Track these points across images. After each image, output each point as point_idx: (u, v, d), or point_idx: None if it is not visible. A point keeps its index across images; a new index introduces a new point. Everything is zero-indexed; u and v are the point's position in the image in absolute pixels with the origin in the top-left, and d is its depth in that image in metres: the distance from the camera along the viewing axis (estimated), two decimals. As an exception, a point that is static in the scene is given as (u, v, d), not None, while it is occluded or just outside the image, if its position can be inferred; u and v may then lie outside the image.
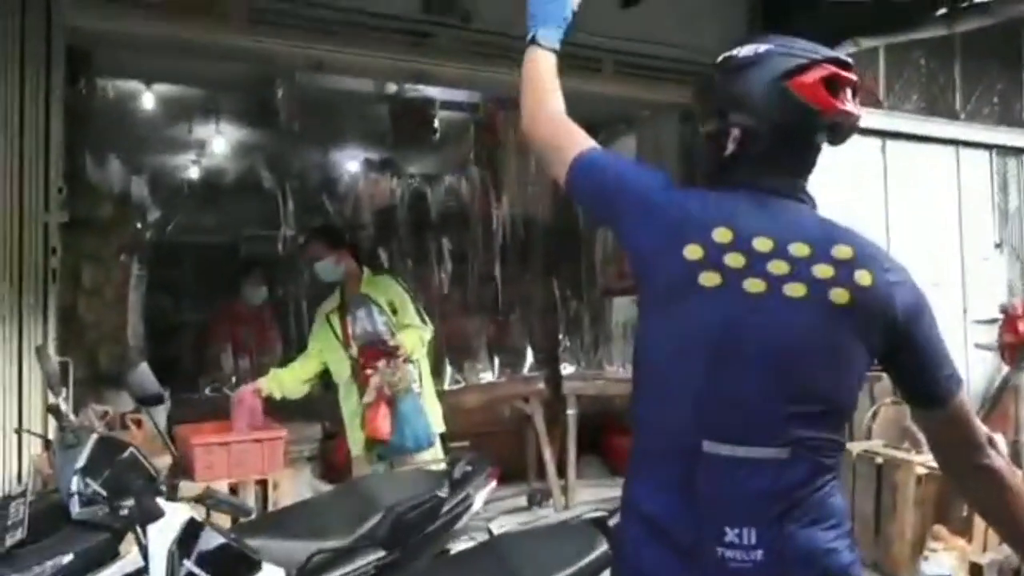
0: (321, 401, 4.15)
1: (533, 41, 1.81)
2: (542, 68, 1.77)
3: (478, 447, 5.59)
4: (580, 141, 1.62)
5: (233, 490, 3.34)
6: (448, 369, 4.90)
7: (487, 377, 4.90)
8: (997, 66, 7.01)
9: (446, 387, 4.63)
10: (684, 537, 1.40)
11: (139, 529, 1.85)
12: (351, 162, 6.23)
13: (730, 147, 1.50)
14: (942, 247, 6.66)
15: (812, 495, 1.39)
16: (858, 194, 6.20)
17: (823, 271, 1.41)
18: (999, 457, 1.49)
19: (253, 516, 2.48)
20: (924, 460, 4.44)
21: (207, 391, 4.59)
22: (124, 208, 4.52)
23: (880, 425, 5.84)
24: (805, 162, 1.53)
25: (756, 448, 1.38)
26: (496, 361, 4.91)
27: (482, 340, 5.15)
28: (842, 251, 1.43)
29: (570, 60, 4.91)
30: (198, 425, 3.70)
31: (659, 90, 5.30)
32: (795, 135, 1.49)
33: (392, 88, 5.84)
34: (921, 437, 5.73)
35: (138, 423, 3.50)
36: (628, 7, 5.06)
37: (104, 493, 2.12)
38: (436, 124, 5.93)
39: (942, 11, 4.43)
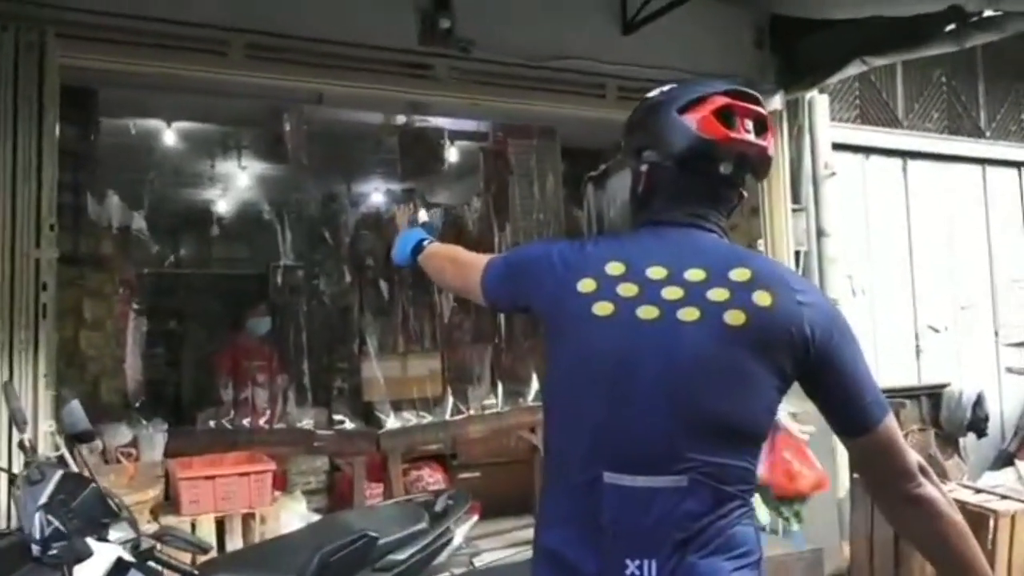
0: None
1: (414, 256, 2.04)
2: (430, 262, 1.97)
3: (487, 477, 5.56)
4: (480, 263, 1.71)
5: (220, 523, 3.31)
6: (450, 399, 4.85)
7: (492, 407, 4.83)
8: (1023, 82, 6.83)
9: (447, 417, 4.58)
10: (587, 570, 1.37)
11: (66, 569, 1.83)
12: (361, 194, 6.25)
13: (642, 184, 1.53)
14: (970, 269, 6.47)
15: (714, 524, 1.35)
16: (879, 216, 6.07)
17: (718, 294, 1.39)
18: (931, 485, 1.44)
19: (211, 554, 2.44)
20: (948, 490, 4.26)
21: (211, 424, 4.60)
22: (126, 244, 4.58)
23: (918, 452, 5.65)
24: (710, 193, 1.52)
25: (653, 477, 1.35)
26: (501, 390, 4.84)
27: (486, 369, 5.10)
28: (740, 274, 1.41)
29: (573, 87, 4.99)
30: (190, 459, 3.70)
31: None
32: (695, 166, 1.49)
33: (401, 119, 5.86)
34: (948, 465, 5.54)
35: (128, 455, 3.50)
36: (629, 34, 5.04)
37: (64, 530, 2.11)
38: (445, 154, 5.92)
39: (951, 27, 4.31)
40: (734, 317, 1.38)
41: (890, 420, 1.44)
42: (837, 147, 5.73)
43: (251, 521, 3.43)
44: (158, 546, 2.28)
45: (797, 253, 5.35)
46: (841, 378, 1.42)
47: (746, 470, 1.40)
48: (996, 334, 6.49)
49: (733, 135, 1.46)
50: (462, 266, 1.81)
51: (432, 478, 5.16)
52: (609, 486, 1.37)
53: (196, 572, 2.31)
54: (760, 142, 1.51)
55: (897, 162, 6.25)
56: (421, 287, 5.09)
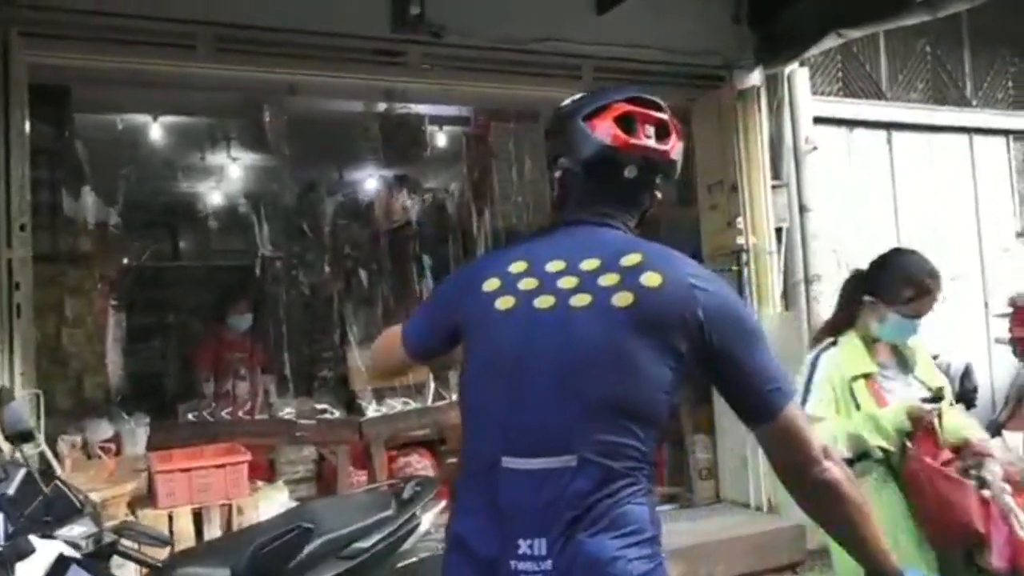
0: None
1: None
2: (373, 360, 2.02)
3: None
4: (397, 328, 1.78)
5: (197, 515, 3.35)
6: (431, 385, 4.88)
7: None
8: (1009, 49, 6.76)
9: (429, 403, 4.61)
10: (487, 553, 1.42)
11: (8, 567, 1.86)
12: (347, 182, 6.26)
13: (556, 189, 1.63)
14: (958, 239, 6.43)
15: (602, 502, 1.38)
16: (865, 189, 6.04)
17: (609, 279, 1.46)
18: (836, 468, 1.46)
19: (169, 546, 2.47)
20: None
21: (190, 417, 4.64)
22: (105, 240, 4.60)
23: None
24: (616, 196, 1.59)
25: (546, 459, 1.39)
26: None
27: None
28: (630, 259, 1.47)
29: (548, 69, 4.98)
30: (170, 452, 3.74)
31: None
32: (601, 171, 1.56)
33: (383, 106, 5.85)
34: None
35: (108, 451, 3.55)
36: (604, 13, 5.00)
37: (9, 528, 2.14)
38: (428, 140, 5.92)
39: (924, -3, 4.28)
40: (622, 299, 1.43)
41: (792, 408, 1.46)
42: (820, 121, 5.69)
43: (229, 512, 3.47)
44: (121, 540, 2.32)
45: (779, 229, 5.34)
46: (740, 366, 1.45)
47: (637, 449, 1.42)
48: (986, 305, 6.46)
49: (633, 141, 1.54)
50: (383, 348, 1.84)
51: (420, 464, 5.20)
52: (506, 470, 1.42)
53: (159, 564, 2.34)
54: (661, 147, 1.57)
55: (882, 134, 6.20)
56: (401, 276, 5.10)
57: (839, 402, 2.53)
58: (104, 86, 4.71)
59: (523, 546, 1.38)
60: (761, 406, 1.46)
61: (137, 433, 4.02)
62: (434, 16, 4.55)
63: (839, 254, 5.89)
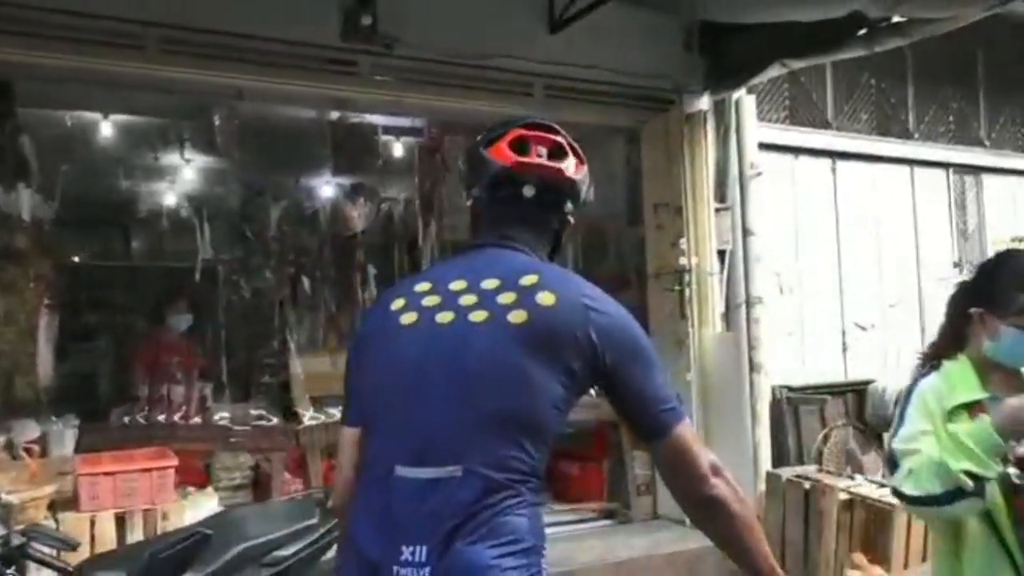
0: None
1: None
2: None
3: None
4: (341, 445, 1.68)
5: (121, 519, 3.31)
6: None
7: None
8: (951, 85, 6.99)
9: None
10: (373, 557, 1.45)
11: None
12: (299, 189, 6.23)
13: (471, 219, 1.71)
14: (898, 268, 6.61)
15: (483, 512, 1.41)
16: (808, 215, 6.18)
17: (506, 298, 1.52)
18: (725, 486, 1.52)
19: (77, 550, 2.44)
20: (848, 486, 4.37)
21: (125, 420, 4.58)
22: (41, 238, 4.53)
23: (833, 448, 5.77)
24: (519, 217, 1.65)
25: (434, 468, 1.44)
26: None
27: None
28: (528, 279, 1.54)
29: (500, 85, 5.02)
30: (99, 455, 3.68)
31: (591, 113, 5.29)
32: (500, 193, 1.64)
33: (335, 115, 5.85)
34: (865, 460, 5.67)
35: (29, 452, 3.49)
36: (556, 32, 5.07)
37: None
38: (380, 149, 5.94)
39: (862, 32, 4.41)
40: (516, 316, 1.49)
41: (682, 428, 1.53)
42: (766, 147, 5.82)
43: (154, 517, 3.43)
44: (31, 544, 2.29)
45: (722, 252, 5.44)
46: (632, 386, 1.52)
47: (523, 462, 1.46)
48: (923, 331, 6.63)
49: (523, 160, 1.61)
50: (342, 463, 1.70)
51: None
52: (398, 478, 1.46)
53: (70, 568, 2.31)
54: (554, 164, 1.64)
55: (826, 162, 6.36)
56: (345, 284, 5.09)
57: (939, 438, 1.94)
58: (50, 82, 4.65)
59: (405, 552, 1.41)
60: (652, 425, 1.52)
61: (65, 435, 3.95)
62: (386, 27, 4.57)
63: (781, 277, 6.02)
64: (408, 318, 1.56)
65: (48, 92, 4.95)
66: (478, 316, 1.51)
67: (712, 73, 5.48)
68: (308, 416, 4.51)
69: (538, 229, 1.68)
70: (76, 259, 5.47)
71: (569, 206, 1.69)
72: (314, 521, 2.81)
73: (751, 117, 5.63)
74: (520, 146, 1.63)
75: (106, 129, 5.55)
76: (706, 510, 1.53)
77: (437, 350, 1.51)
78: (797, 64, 4.94)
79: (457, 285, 1.57)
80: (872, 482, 4.44)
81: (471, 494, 1.42)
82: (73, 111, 5.47)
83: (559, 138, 1.67)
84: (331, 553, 2.84)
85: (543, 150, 1.64)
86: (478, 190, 1.67)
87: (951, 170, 6.98)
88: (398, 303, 1.60)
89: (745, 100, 5.61)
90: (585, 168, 1.69)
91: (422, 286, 1.61)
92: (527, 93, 5.08)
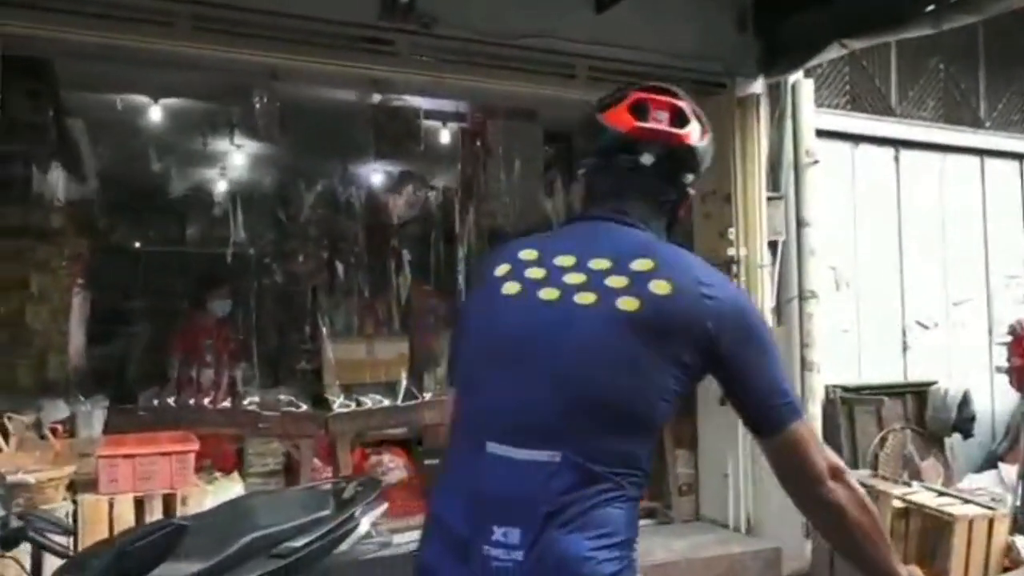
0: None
1: None
2: None
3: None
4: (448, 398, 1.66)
5: (140, 503, 3.24)
6: (403, 384, 4.75)
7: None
8: (1026, 72, 6.58)
9: (400, 402, 4.48)
10: (461, 534, 1.41)
11: None
12: (342, 174, 6.14)
13: (581, 188, 1.63)
14: (964, 264, 6.25)
15: (580, 502, 1.37)
16: (868, 206, 5.87)
17: (616, 281, 1.44)
18: (844, 490, 1.45)
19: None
20: (905, 493, 4.10)
21: (154, 402, 4.54)
22: (77, 218, 4.52)
23: (890, 452, 5.47)
24: (635, 187, 1.57)
25: (530, 451, 1.39)
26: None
27: (442, 355, 4.99)
28: (642, 263, 1.45)
29: (542, 66, 4.85)
30: (123, 436, 3.63)
31: (639, 97, 5.07)
32: (617, 161, 1.56)
33: (377, 97, 5.76)
34: (924, 466, 5.36)
35: (55, 432, 3.45)
36: (603, 11, 4.87)
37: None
38: (422, 133, 5.82)
39: (930, 8, 4.12)
40: (627, 303, 1.41)
41: (800, 425, 1.45)
42: (825, 134, 5.53)
43: (174, 502, 3.36)
44: (32, 526, 2.21)
45: (773, 243, 5.18)
46: (749, 378, 1.45)
47: (625, 454, 1.41)
48: (990, 332, 6.27)
49: (643, 125, 1.53)
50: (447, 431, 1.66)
51: (392, 464, 5.08)
52: (491, 456, 1.41)
53: (70, 552, 2.23)
54: (675, 130, 1.54)
55: (889, 151, 6.03)
56: (379, 270, 4.98)
57: None
58: (92, 63, 4.64)
59: (497, 533, 1.37)
60: (766, 420, 1.45)
61: (94, 416, 3.92)
62: (425, 6, 4.45)
63: (837, 272, 5.73)
64: (511, 288, 1.49)
65: (93, 73, 4.95)
66: (585, 298, 1.44)
67: (767, 55, 5.21)
68: (338, 403, 4.42)
69: (655, 202, 1.59)
70: (112, 241, 5.45)
71: (689, 177, 1.60)
72: (328, 512, 2.69)
73: (808, 102, 5.35)
74: (639, 110, 1.53)
75: (148, 112, 5.56)
76: (821, 515, 1.48)
77: (539, 329, 1.45)
78: (857, 44, 4.65)
79: (564, 260, 1.49)
80: (930, 489, 4.16)
81: (568, 482, 1.37)
82: (117, 93, 5.47)
83: (681, 103, 1.57)
84: (344, 546, 2.72)
85: (663, 115, 1.55)
86: (591, 158, 1.59)
87: (1024, 161, 6.58)
88: (502, 268, 1.53)
89: (802, 84, 5.33)
90: (709, 136, 1.60)
91: (528, 253, 1.53)
92: (570, 75, 4.89)
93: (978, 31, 6.31)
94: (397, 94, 5.60)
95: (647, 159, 1.54)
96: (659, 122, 1.53)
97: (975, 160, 6.37)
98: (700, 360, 1.42)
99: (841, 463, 1.48)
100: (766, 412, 1.44)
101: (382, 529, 2.96)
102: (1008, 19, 5.87)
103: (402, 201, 6.33)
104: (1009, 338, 4.90)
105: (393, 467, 5.06)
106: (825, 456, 1.46)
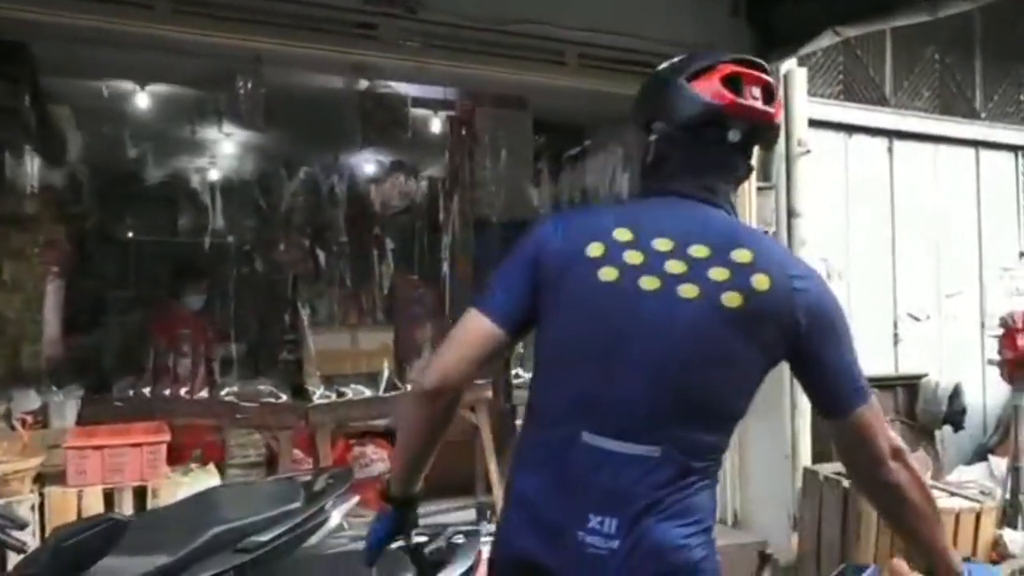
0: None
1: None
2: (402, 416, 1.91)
3: (438, 456, 5.41)
4: (466, 321, 1.58)
5: (109, 496, 3.18)
6: (385, 374, 4.68)
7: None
8: (1022, 64, 6.49)
9: (382, 393, 4.43)
10: (553, 519, 1.45)
11: None
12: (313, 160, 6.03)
13: (651, 155, 1.58)
14: (958, 256, 6.19)
15: (676, 493, 1.43)
16: (861, 197, 5.80)
17: (719, 273, 1.44)
18: (904, 471, 1.50)
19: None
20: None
21: (129, 392, 4.48)
22: (52, 205, 4.44)
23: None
24: (719, 163, 1.56)
25: (629, 444, 1.43)
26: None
27: (426, 345, 4.93)
28: (742, 255, 1.46)
29: (530, 52, 4.76)
30: (94, 427, 3.57)
31: (629, 84, 4.94)
32: (705, 134, 1.53)
33: (363, 84, 5.67)
34: (918, 460, 5.30)
35: (23, 422, 3.38)
36: (592, -5, 4.78)
37: None
38: (409, 121, 5.73)
39: (925, -6, 4.04)
40: (731, 299, 1.44)
41: (867, 408, 1.51)
42: (818, 124, 5.46)
43: (145, 494, 3.30)
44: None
45: (764, 233, 5.10)
46: (827, 363, 1.50)
47: (717, 446, 1.49)
48: (982, 324, 6.21)
49: (740, 101, 1.51)
50: (454, 349, 1.57)
51: (376, 455, 5.02)
52: (586, 445, 1.44)
53: (26, 548, 2.16)
54: (768, 109, 1.54)
55: (883, 142, 5.96)
56: (364, 259, 4.91)
57: None
58: (74, 48, 4.54)
59: (593, 521, 1.42)
60: (838, 402, 1.50)
61: (66, 406, 3.85)
62: (412, -11, 4.36)
63: (829, 263, 5.66)
64: (609, 273, 1.47)
65: (73, 59, 4.85)
66: (689, 291, 1.45)
67: (759, 42, 5.11)
68: (318, 394, 4.36)
69: (731, 176, 1.60)
70: (89, 228, 5.37)
71: (755, 153, 1.63)
72: (297, 505, 2.63)
73: (801, 91, 5.26)
74: (734, 84, 1.52)
75: (134, 98, 5.47)
76: (882, 495, 1.54)
77: (642, 321, 1.45)
78: (851, 32, 4.56)
79: (662, 244, 1.48)
80: (918, 484, 4.09)
81: (666, 476, 1.42)
82: (102, 80, 5.38)
83: (771, 79, 1.58)
84: (314, 539, 2.67)
85: (757, 91, 1.54)
86: (668, 127, 1.55)
87: (1020, 153, 6.50)
88: (596, 249, 1.49)
89: (796, 73, 5.25)
90: (782, 113, 1.64)
91: (622, 233, 1.50)
92: (559, 61, 4.80)
93: (975, 21, 6.23)
94: (384, 80, 5.51)
95: (734, 136, 1.53)
96: (755, 99, 1.52)
97: (970, 152, 6.30)
98: (785, 350, 1.47)
99: (902, 444, 1.54)
100: (837, 396, 1.49)
101: (355, 522, 2.91)
102: (1006, 8, 5.81)
103: (392, 191, 6.25)
104: (1001, 331, 4.82)
105: (376, 458, 5.00)
106: (888, 437, 1.51)
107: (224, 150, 6.15)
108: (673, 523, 1.42)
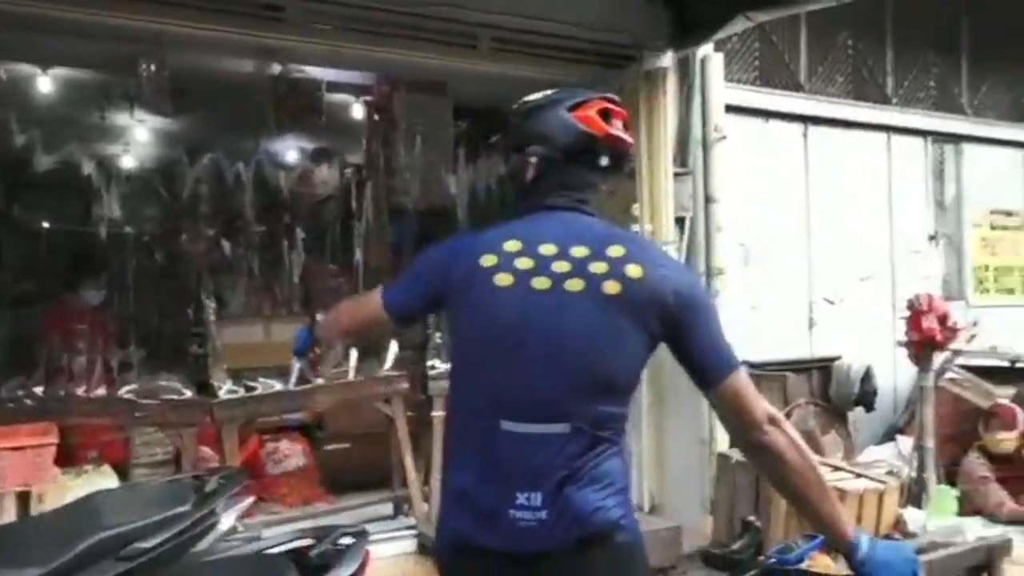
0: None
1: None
2: (325, 326, 2.18)
3: (357, 450, 5.32)
4: (374, 294, 1.94)
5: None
6: (296, 366, 4.54)
7: (342, 376, 4.54)
8: (932, 50, 6.65)
9: (292, 387, 4.31)
10: (487, 503, 1.61)
11: None
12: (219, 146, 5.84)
13: (530, 174, 1.77)
14: (871, 239, 6.32)
15: (588, 462, 1.61)
16: (776, 182, 5.87)
17: (598, 267, 1.65)
18: (781, 434, 1.65)
19: None
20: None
21: (19, 392, 4.25)
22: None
23: (794, 428, 5.51)
24: (589, 181, 1.78)
25: (542, 425, 1.60)
26: (354, 359, 4.56)
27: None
28: (616, 250, 1.67)
29: (443, 36, 4.67)
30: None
31: (543, 69, 4.93)
32: (579, 158, 1.75)
33: (276, 68, 5.51)
34: (825, 440, 5.42)
35: None
36: (507, -21, 4.71)
37: None
38: (323, 106, 5.59)
39: (830, -19, 4.08)
40: (611, 287, 1.63)
41: (739, 375, 1.67)
42: (734, 110, 5.49)
43: (29, 499, 3.14)
44: None
45: (681, 219, 5.13)
46: (698, 337, 1.67)
47: (617, 417, 1.67)
48: (894, 307, 6.36)
49: (611, 131, 1.76)
50: (354, 306, 2.04)
51: (291, 450, 4.91)
52: (506, 432, 1.61)
53: None
54: (629, 139, 1.81)
55: (798, 127, 6.04)
56: (274, 248, 4.76)
57: None
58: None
59: (520, 498, 1.59)
60: (713, 371, 1.67)
61: None
62: (321, -29, 4.22)
63: (746, 248, 5.73)
64: (504, 280, 1.66)
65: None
66: (574, 285, 1.64)
67: (676, 28, 5.13)
68: (224, 389, 4.22)
69: (598, 192, 1.82)
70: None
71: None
72: (186, 508, 2.50)
73: (717, 77, 5.29)
74: (606, 117, 1.76)
75: (36, 82, 5.22)
76: (761, 456, 1.67)
77: (538, 317, 1.63)
78: (762, 17, 4.59)
79: (547, 249, 1.67)
80: (826, 464, 4.16)
81: (577, 448, 1.60)
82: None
83: (625, 113, 1.82)
84: (203, 544, 2.55)
85: (620, 123, 1.78)
86: (547, 150, 1.75)
87: (930, 138, 6.68)
88: (489, 259, 1.68)
89: (712, 58, 5.27)
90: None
91: (512, 245, 1.69)
92: (472, 45, 4.73)
93: (886, 8, 6.36)
94: (297, 64, 5.36)
95: (604, 160, 1.76)
96: (619, 130, 1.77)
97: (882, 136, 6.43)
98: (662, 328, 1.65)
99: (777, 412, 1.69)
100: (710, 366, 1.67)
101: (251, 523, 2.81)
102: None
103: (314, 179, 6.12)
104: (908, 313, 4.94)
105: (290, 454, 4.89)
106: (762, 405, 1.67)
107: (138, 137, 5.92)
108: (590, 489, 1.60)
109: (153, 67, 5.06)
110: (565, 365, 1.61)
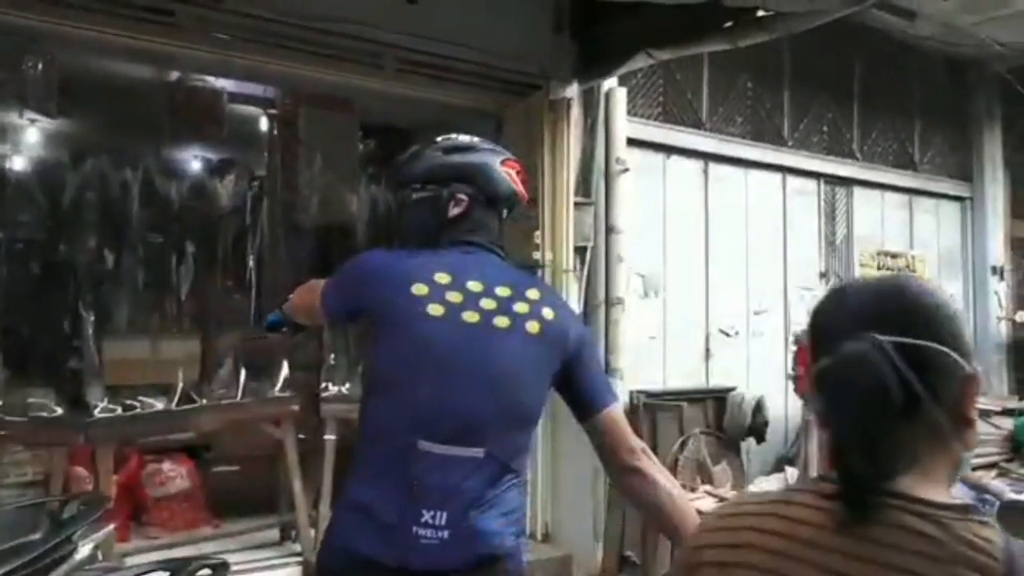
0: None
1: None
2: (292, 306, 2.17)
3: (246, 473, 5.13)
4: (319, 287, 2.00)
5: None
6: (179, 385, 4.37)
7: (230, 396, 4.37)
8: (827, 95, 6.95)
9: (174, 406, 4.13)
10: (388, 518, 1.67)
11: None
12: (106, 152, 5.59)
13: (456, 210, 1.89)
14: (766, 274, 6.52)
15: (495, 489, 1.72)
16: (678, 217, 5.99)
17: (521, 307, 1.82)
18: (650, 463, 1.82)
19: None
20: (691, 499, 4.15)
21: None
22: None
23: (689, 457, 5.59)
24: (498, 226, 1.97)
25: (458, 447, 1.69)
26: (243, 379, 4.40)
27: (228, 355, 4.66)
28: (533, 293, 1.86)
29: (346, 53, 4.60)
30: None
31: (448, 93, 4.94)
32: (499, 206, 1.95)
33: (174, 76, 5.33)
34: (716, 471, 5.52)
35: None
36: (416, 1, 4.69)
37: None
38: (225, 118, 5.43)
39: (728, 24, 4.21)
40: (532, 327, 1.81)
41: (617, 407, 1.87)
42: (637, 143, 5.60)
43: None
44: None
45: (582, 249, 5.17)
46: (585, 373, 1.85)
47: (525, 448, 1.83)
48: (786, 341, 6.56)
49: (527, 195, 2.03)
50: (307, 292, 2.08)
51: (173, 472, 4.69)
52: (421, 451, 1.68)
53: None
54: (527, 196, 2.05)
55: (698, 163, 6.20)
56: (163, 262, 4.57)
57: None
58: None
59: (426, 515, 1.65)
60: (595, 401, 1.84)
61: None
62: (216, -22, 4.11)
63: (646, 280, 5.82)
64: (435, 310, 1.76)
65: None
66: (502, 322, 1.79)
67: (581, 59, 5.21)
68: (100, 408, 3.99)
69: (497, 235, 1.98)
70: None
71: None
72: (37, 536, 2.36)
73: (621, 110, 5.39)
74: (520, 176, 1.98)
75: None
76: (634, 478, 1.80)
77: (466, 348, 1.75)
78: (663, 55, 4.70)
79: (475, 286, 1.81)
80: (712, 495, 4.22)
81: (487, 474, 1.71)
82: None
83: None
84: (59, 573, 2.40)
85: (522, 183, 1.99)
86: (473, 191, 1.89)
87: (822, 180, 6.95)
88: (420, 289, 1.78)
89: (616, 92, 5.36)
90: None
91: (442, 277, 1.80)
92: (377, 65, 4.68)
93: (783, 52, 6.62)
94: (197, 73, 5.20)
95: (514, 212, 2.01)
96: (524, 191, 2.00)
97: (777, 177, 6.66)
98: (561, 365, 1.82)
99: (645, 446, 1.86)
100: (594, 396, 1.84)
101: (126, 548, 2.65)
102: (811, 43, 6.19)
103: (220, 191, 5.93)
104: (795, 347, 5.10)
105: (174, 475, 4.67)
106: (633, 434, 1.86)
107: (27, 138, 5.61)
108: (493, 514, 1.71)
109: (40, 66, 4.83)
110: (491, 394, 1.73)
